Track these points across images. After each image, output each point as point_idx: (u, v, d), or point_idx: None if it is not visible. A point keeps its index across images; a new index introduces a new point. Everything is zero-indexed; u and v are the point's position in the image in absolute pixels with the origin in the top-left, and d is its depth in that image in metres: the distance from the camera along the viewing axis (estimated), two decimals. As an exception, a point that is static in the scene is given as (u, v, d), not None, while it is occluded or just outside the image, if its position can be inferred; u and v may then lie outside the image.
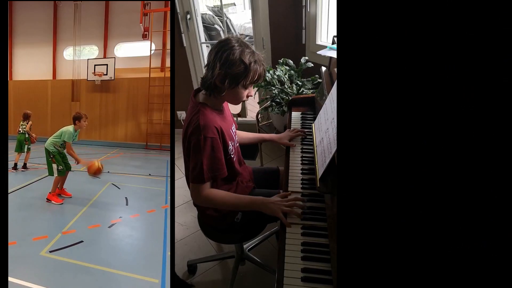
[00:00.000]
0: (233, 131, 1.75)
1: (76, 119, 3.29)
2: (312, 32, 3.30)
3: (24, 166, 4.77)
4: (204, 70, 1.62)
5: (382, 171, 0.80)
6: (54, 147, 3.27)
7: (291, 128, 2.10)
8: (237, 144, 1.80)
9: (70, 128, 3.26)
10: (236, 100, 1.62)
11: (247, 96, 1.61)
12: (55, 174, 3.30)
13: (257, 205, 1.56)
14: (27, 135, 4.72)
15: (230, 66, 1.47)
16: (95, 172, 3.04)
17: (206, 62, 1.59)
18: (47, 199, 3.34)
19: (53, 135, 3.32)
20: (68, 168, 3.41)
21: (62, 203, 3.32)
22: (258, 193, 1.76)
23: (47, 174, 3.37)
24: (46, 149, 3.30)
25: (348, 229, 0.81)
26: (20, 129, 4.73)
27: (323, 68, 2.33)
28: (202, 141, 1.49)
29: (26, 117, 4.77)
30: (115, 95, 7.44)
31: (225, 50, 1.47)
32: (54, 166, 3.28)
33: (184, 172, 1.78)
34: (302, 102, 2.40)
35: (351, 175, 0.81)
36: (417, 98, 0.77)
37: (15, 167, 4.63)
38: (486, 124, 0.75)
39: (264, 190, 1.87)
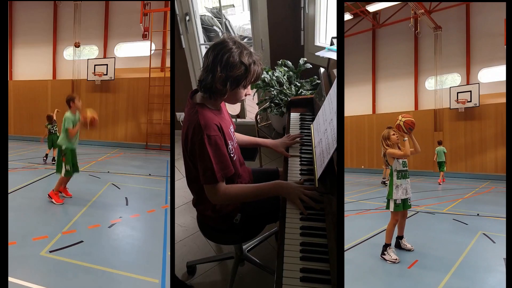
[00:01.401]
0: (232, 131, 1.76)
1: (70, 100, 3.25)
2: (311, 33, 3.31)
3: (53, 160, 5.05)
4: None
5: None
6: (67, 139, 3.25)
7: (289, 133, 2.10)
8: (236, 144, 1.80)
9: (67, 113, 3.25)
10: (235, 100, 1.64)
11: (245, 95, 1.64)
12: (62, 174, 3.32)
13: (276, 189, 1.58)
14: (58, 134, 5.02)
15: (231, 69, 1.48)
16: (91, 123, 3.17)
17: (202, 64, 1.60)
18: (48, 195, 3.35)
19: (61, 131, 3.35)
20: (75, 170, 3.39)
21: (62, 203, 3.33)
22: None
23: (48, 173, 3.38)
24: (59, 146, 3.31)
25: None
26: (52, 130, 5.19)
27: (322, 69, 2.34)
28: (206, 140, 1.50)
29: (50, 119, 5.19)
30: (115, 95, 7.44)
31: (224, 53, 1.48)
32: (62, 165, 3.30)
33: (184, 174, 1.79)
34: (300, 103, 2.41)
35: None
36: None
37: (46, 157, 5.26)
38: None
39: None
